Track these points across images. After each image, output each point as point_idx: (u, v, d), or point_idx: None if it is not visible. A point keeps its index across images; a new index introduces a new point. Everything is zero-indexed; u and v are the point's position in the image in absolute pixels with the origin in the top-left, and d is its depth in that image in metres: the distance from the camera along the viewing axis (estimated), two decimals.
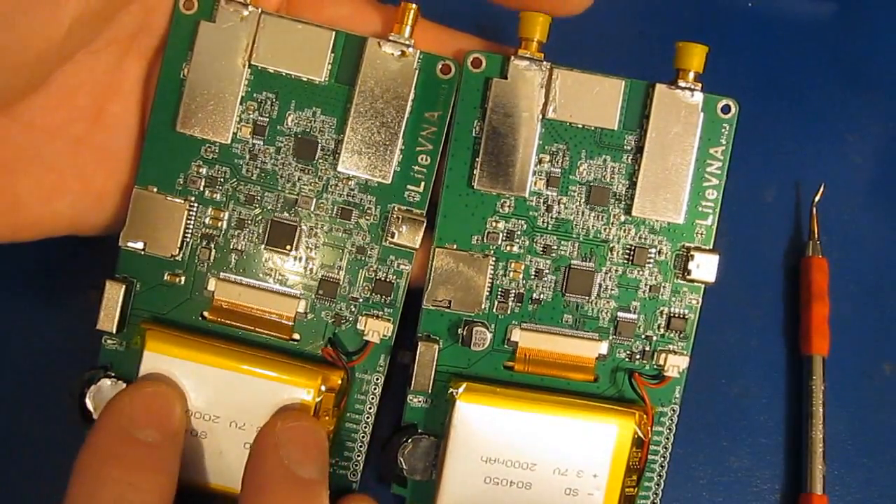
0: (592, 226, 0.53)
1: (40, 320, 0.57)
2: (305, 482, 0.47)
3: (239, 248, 0.52)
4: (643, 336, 0.53)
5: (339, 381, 0.51)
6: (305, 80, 0.51)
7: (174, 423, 0.48)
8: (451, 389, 0.51)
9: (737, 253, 0.59)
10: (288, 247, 0.51)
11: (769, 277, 0.62)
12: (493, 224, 0.52)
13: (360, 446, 0.53)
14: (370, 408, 0.53)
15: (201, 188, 0.51)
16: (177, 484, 0.47)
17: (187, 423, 0.50)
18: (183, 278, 0.51)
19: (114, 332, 0.50)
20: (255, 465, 0.47)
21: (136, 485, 0.45)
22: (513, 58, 0.51)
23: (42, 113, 0.49)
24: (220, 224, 0.51)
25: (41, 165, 0.49)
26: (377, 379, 0.53)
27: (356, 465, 0.53)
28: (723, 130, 0.52)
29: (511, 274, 0.52)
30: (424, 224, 0.51)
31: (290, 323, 0.52)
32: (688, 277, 0.53)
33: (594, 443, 0.51)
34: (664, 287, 0.53)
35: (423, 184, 0.52)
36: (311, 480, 0.47)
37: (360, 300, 0.52)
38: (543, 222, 0.52)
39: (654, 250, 0.53)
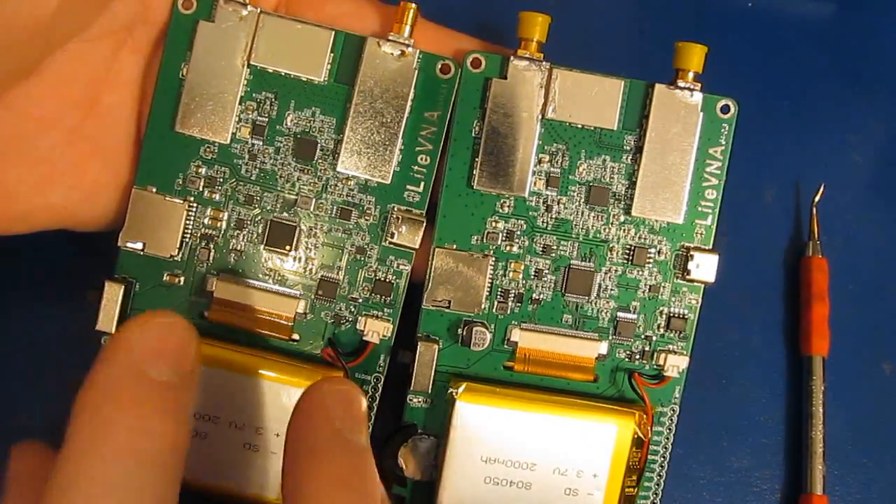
0: (592, 226, 0.53)
1: (39, 320, 0.57)
2: (360, 448, 0.43)
3: (238, 248, 0.52)
4: (643, 336, 0.53)
5: None
6: (305, 79, 0.51)
7: (191, 360, 0.42)
8: (450, 389, 0.51)
9: (737, 253, 0.59)
10: (287, 247, 0.51)
11: (769, 277, 0.62)
12: (493, 224, 0.52)
13: None
14: (369, 408, 0.52)
15: (200, 188, 0.51)
16: (190, 437, 0.41)
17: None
18: (182, 279, 0.51)
19: (113, 332, 0.50)
20: (305, 425, 0.43)
21: (148, 431, 0.39)
22: (512, 58, 0.51)
23: (35, 102, 0.49)
24: (219, 224, 0.51)
25: (33, 155, 0.49)
26: (377, 379, 0.53)
27: None
28: (722, 130, 0.52)
29: (511, 274, 0.52)
30: (424, 224, 0.51)
31: (290, 323, 0.51)
32: (687, 277, 0.53)
33: (594, 443, 0.51)
34: (664, 287, 0.53)
35: (422, 184, 0.52)
36: (364, 448, 0.43)
37: (360, 300, 0.52)
38: (543, 222, 0.52)
39: (653, 250, 0.53)
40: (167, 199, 0.51)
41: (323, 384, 0.44)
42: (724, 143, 0.52)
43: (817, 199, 0.61)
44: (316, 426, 0.43)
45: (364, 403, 0.45)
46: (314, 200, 0.51)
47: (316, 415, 0.43)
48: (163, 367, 0.41)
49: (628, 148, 0.52)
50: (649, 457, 0.53)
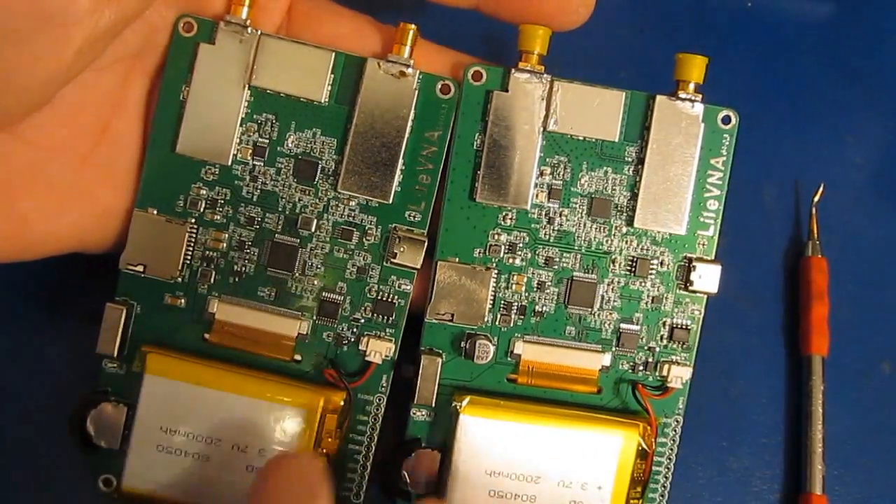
0: (594, 237, 0.52)
1: (41, 343, 0.56)
2: None
3: (240, 269, 0.51)
4: (646, 347, 0.53)
5: (342, 403, 0.51)
6: (305, 100, 0.51)
7: None
8: (454, 403, 0.51)
9: (737, 253, 0.59)
10: (289, 268, 0.51)
11: (769, 277, 0.62)
12: (495, 237, 0.52)
13: (363, 467, 0.52)
14: (372, 429, 0.52)
15: (202, 210, 0.51)
16: None
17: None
18: (184, 300, 0.51)
19: (114, 355, 0.50)
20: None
21: None
22: (513, 70, 0.51)
23: (46, 131, 0.49)
24: (220, 246, 0.51)
25: (45, 183, 0.49)
26: (379, 399, 0.52)
27: (359, 487, 0.53)
28: (723, 141, 0.52)
29: (513, 286, 0.52)
30: (425, 244, 0.51)
31: (292, 344, 0.51)
32: (690, 288, 0.53)
33: (598, 455, 0.51)
34: (666, 298, 0.53)
35: (423, 203, 0.52)
36: None
37: (362, 321, 0.52)
38: (545, 234, 0.52)
39: (655, 261, 0.53)
40: (168, 221, 0.51)
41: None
42: (725, 153, 0.52)
43: (817, 199, 0.61)
44: None
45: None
46: (315, 221, 0.51)
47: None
48: None
49: (630, 159, 0.52)
50: (654, 468, 0.53)
